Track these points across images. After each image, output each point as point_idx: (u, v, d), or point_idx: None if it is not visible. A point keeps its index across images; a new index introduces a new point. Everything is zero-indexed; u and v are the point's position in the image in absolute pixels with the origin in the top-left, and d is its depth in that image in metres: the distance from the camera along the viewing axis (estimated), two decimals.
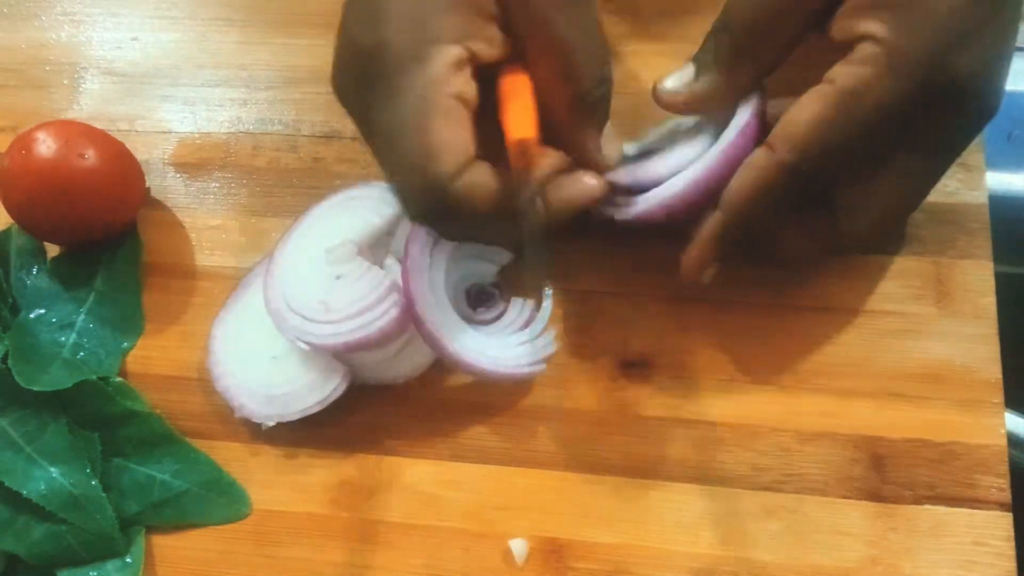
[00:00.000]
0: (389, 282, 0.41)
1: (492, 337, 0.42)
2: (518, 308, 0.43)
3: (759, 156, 0.36)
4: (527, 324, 0.42)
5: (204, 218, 0.48)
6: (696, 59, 0.39)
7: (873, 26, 0.34)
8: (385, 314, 0.40)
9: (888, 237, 0.43)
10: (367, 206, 0.44)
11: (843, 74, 0.35)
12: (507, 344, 0.41)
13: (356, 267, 0.42)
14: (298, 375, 0.42)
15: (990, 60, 0.35)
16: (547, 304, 0.41)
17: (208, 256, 0.47)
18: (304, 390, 0.41)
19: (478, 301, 0.44)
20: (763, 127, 0.38)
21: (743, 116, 0.38)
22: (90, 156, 0.43)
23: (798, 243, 0.40)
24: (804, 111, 0.35)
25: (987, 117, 0.37)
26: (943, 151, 0.38)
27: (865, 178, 0.37)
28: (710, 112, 0.40)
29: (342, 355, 0.41)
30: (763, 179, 0.36)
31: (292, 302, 0.42)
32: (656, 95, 0.39)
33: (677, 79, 0.39)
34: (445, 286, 0.42)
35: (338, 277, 0.42)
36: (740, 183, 0.37)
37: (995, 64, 0.35)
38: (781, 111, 0.36)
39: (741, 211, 0.37)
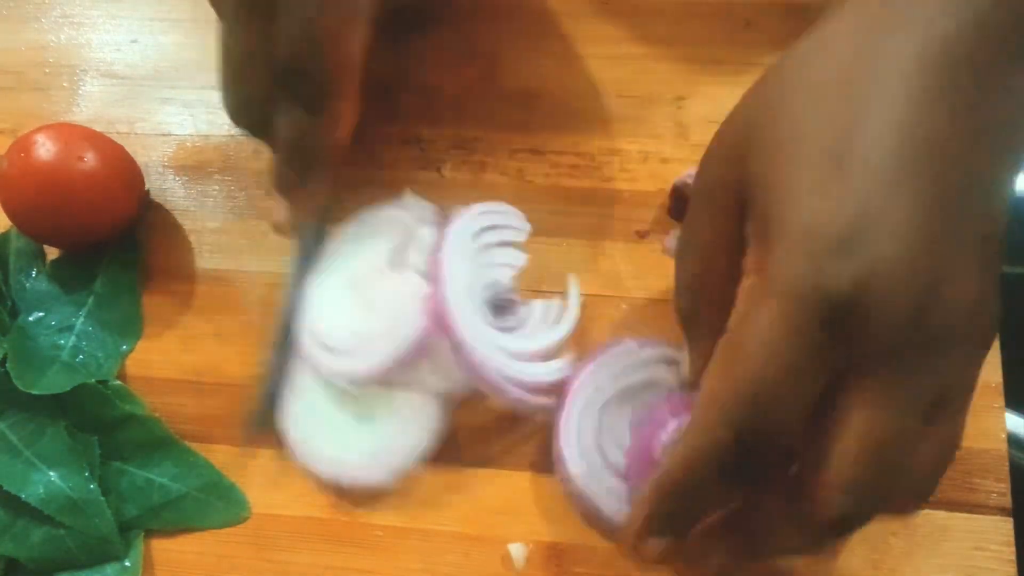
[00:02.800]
0: (421, 292, 0.40)
1: (516, 343, 0.41)
2: (541, 311, 0.42)
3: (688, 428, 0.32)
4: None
5: (204, 221, 0.48)
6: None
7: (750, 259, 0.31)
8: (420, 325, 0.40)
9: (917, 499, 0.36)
10: (384, 228, 0.44)
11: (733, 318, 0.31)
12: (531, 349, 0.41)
13: (388, 287, 0.41)
14: (391, 421, 0.41)
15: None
16: (574, 299, 0.41)
17: (208, 259, 0.47)
18: (404, 434, 0.41)
19: (499, 310, 0.43)
20: None
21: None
22: (89, 159, 0.43)
23: (783, 532, 0.32)
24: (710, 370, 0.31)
25: (981, 342, 0.30)
26: (913, 386, 0.29)
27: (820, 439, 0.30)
28: None
29: (396, 377, 0.40)
30: (689, 452, 0.31)
31: (329, 341, 0.41)
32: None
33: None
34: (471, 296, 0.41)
35: (369, 302, 0.41)
36: (668, 459, 0.32)
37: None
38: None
39: (665, 487, 0.32)
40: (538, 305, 0.43)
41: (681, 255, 0.35)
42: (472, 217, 0.42)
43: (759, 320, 0.29)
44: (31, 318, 0.45)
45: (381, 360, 0.40)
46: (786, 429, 0.29)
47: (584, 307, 0.43)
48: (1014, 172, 0.31)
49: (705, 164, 0.34)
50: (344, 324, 0.41)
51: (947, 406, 0.30)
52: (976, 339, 0.30)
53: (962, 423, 0.31)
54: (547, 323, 0.42)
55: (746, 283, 0.31)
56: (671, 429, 0.38)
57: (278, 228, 0.44)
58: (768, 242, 0.30)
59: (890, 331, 0.28)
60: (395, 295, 0.41)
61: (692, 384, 0.36)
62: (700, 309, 0.35)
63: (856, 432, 0.29)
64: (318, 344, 0.41)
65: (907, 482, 0.31)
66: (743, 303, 0.31)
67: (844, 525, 0.30)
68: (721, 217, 0.33)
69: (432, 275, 0.40)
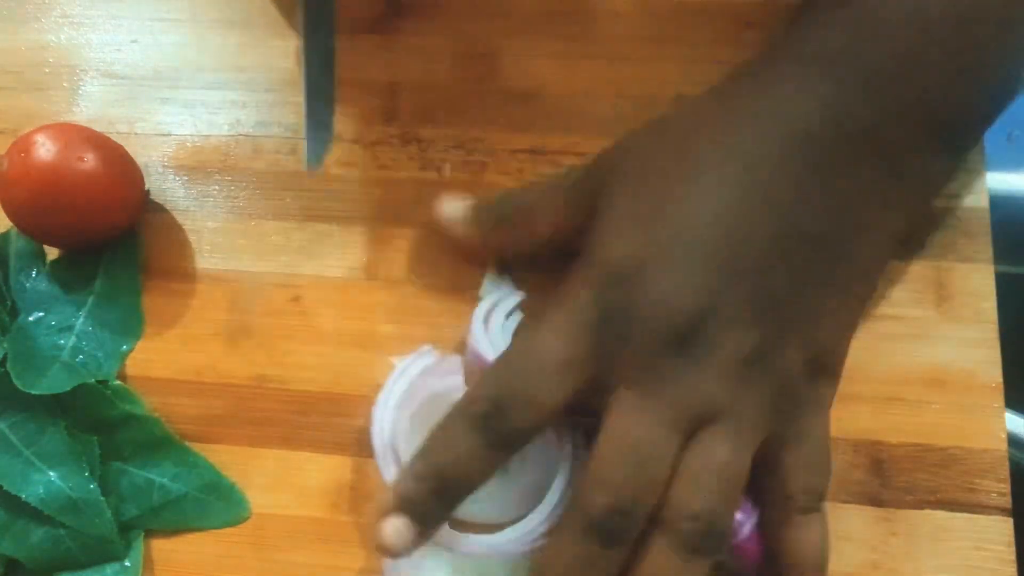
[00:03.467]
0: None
1: None
2: None
3: None
4: None
5: (204, 221, 0.48)
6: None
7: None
8: None
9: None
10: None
11: None
12: None
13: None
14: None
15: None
16: None
17: (208, 259, 0.47)
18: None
19: None
20: None
21: None
22: (89, 159, 0.43)
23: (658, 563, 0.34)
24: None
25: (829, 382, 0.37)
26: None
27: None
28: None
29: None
30: (449, 415, 0.36)
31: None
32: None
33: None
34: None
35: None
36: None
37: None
38: None
39: (420, 456, 0.36)
40: None
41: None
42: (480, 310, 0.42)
43: (546, 316, 0.36)
44: (31, 318, 0.45)
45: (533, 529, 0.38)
46: (538, 404, 0.34)
47: None
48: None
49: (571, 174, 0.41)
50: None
51: (715, 427, 0.34)
52: (739, 369, 0.34)
53: (738, 458, 0.34)
54: None
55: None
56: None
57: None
58: (578, 267, 0.37)
59: (647, 343, 0.34)
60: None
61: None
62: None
63: (607, 432, 0.34)
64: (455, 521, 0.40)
65: (677, 498, 0.33)
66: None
67: (607, 535, 0.33)
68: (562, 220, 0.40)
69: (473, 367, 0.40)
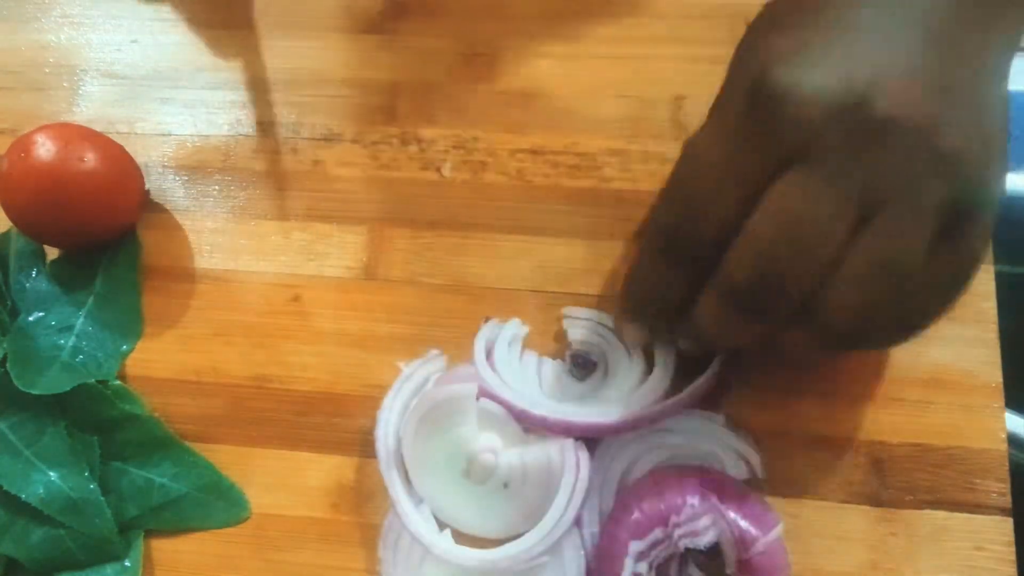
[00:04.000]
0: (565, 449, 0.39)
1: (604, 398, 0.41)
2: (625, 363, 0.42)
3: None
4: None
5: (203, 220, 0.48)
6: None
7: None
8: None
9: (884, 331, 0.35)
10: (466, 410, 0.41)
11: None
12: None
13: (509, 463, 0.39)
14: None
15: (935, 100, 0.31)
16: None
17: (207, 259, 0.47)
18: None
19: (578, 368, 0.42)
20: None
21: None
22: (89, 159, 0.43)
23: (795, 339, 0.34)
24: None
25: (973, 180, 0.32)
26: (913, 216, 0.31)
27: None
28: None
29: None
30: (641, 247, 0.36)
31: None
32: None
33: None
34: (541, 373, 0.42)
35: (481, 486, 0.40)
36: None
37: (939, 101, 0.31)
38: None
39: (626, 282, 0.38)
40: (620, 358, 0.42)
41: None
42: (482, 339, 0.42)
43: (700, 134, 0.34)
44: (31, 318, 0.45)
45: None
46: (712, 218, 0.32)
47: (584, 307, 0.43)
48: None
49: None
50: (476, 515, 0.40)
51: (886, 211, 0.31)
52: (936, 147, 0.30)
53: (908, 245, 0.31)
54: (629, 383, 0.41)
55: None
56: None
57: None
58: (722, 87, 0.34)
59: (821, 119, 0.30)
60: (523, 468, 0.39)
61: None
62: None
63: (763, 210, 0.31)
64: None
65: (837, 282, 0.31)
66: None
67: (753, 300, 0.32)
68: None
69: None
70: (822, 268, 0.31)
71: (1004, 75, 0.34)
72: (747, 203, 0.32)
